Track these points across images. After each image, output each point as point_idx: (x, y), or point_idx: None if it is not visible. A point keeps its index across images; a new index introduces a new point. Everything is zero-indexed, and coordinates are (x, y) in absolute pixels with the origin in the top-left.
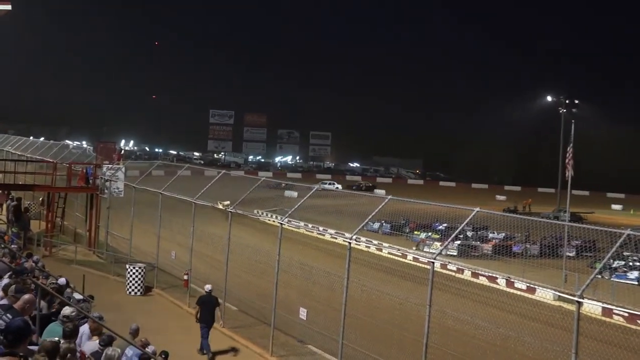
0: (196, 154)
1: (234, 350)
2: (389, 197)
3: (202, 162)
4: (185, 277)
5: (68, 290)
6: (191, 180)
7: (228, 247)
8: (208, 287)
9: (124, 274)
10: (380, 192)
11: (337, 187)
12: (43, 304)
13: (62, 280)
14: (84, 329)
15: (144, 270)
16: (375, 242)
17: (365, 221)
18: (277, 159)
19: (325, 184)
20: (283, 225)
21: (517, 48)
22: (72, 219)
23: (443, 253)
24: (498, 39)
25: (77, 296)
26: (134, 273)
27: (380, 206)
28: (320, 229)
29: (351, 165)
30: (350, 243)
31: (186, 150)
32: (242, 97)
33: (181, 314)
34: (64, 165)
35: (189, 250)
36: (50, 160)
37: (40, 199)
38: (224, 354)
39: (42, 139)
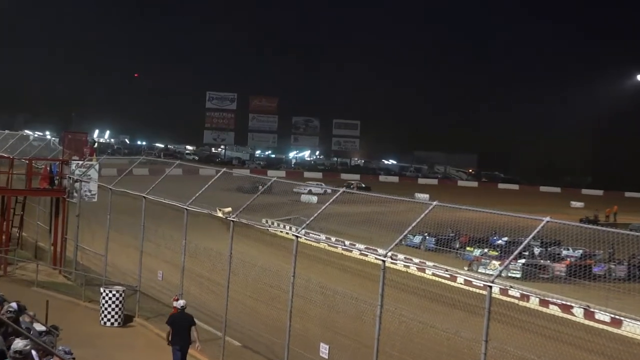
0: (189, 147)
1: None
2: (434, 202)
3: (197, 158)
4: (176, 303)
5: (26, 319)
6: (183, 181)
7: (229, 266)
8: (181, 302)
9: (97, 300)
10: (423, 196)
11: (325, 191)
12: None
13: (13, 305)
14: None
15: (123, 294)
16: (416, 260)
17: (404, 234)
18: (292, 155)
19: (315, 186)
20: (299, 239)
21: (597, 26)
22: (33, 229)
23: (503, 275)
24: (571, 15)
25: (39, 327)
26: (110, 298)
27: (423, 215)
28: (346, 243)
29: (386, 162)
30: (384, 262)
31: (176, 143)
32: (247, 77)
33: (169, 350)
34: (22, 162)
35: (179, 269)
36: (5, 156)
37: None
38: None
39: None
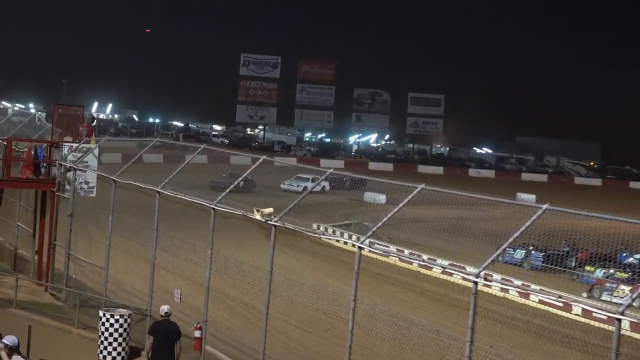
0: (217, 127)
1: None
2: (544, 206)
3: (227, 141)
4: (197, 333)
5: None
6: (208, 171)
7: (269, 286)
8: (165, 308)
9: (95, 326)
10: (528, 197)
11: (323, 188)
12: None
13: (11, 340)
14: None
15: (129, 320)
16: (518, 282)
17: (502, 247)
18: (353, 139)
19: (304, 180)
20: (362, 251)
21: None
22: (11, 232)
23: (635, 305)
24: None
25: None
26: (111, 325)
27: (529, 222)
28: (424, 258)
29: (478, 151)
30: (475, 284)
31: (200, 121)
32: (295, 34)
33: None
34: None
35: (203, 288)
36: None
37: None
38: None
39: None
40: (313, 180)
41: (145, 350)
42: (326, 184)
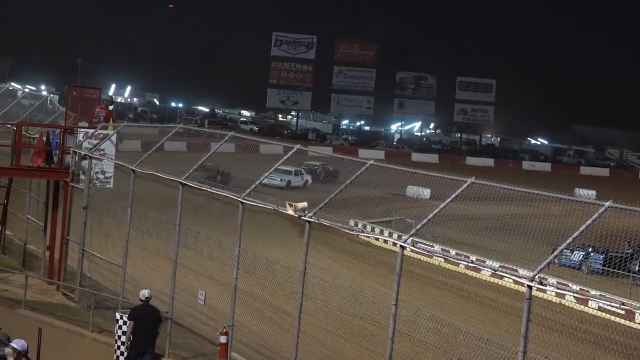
0: (245, 113)
1: None
2: (606, 203)
3: (256, 128)
4: (223, 339)
5: (8, 351)
6: (236, 161)
7: (302, 288)
8: (145, 292)
9: (111, 329)
10: (587, 192)
11: (306, 181)
12: None
13: (20, 344)
14: None
15: None
16: (575, 286)
17: (560, 249)
18: (395, 127)
19: (286, 173)
20: (404, 250)
21: None
22: (21, 226)
23: None
24: None
25: None
26: (129, 328)
27: (590, 221)
28: (472, 258)
29: (533, 142)
30: (530, 288)
31: (227, 106)
32: (332, 12)
33: None
34: (7, 128)
35: (229, 289)
36: None
37: None
38: None
39: None
40: (296, 173)
41: (125, 336)
42: (308, 177)
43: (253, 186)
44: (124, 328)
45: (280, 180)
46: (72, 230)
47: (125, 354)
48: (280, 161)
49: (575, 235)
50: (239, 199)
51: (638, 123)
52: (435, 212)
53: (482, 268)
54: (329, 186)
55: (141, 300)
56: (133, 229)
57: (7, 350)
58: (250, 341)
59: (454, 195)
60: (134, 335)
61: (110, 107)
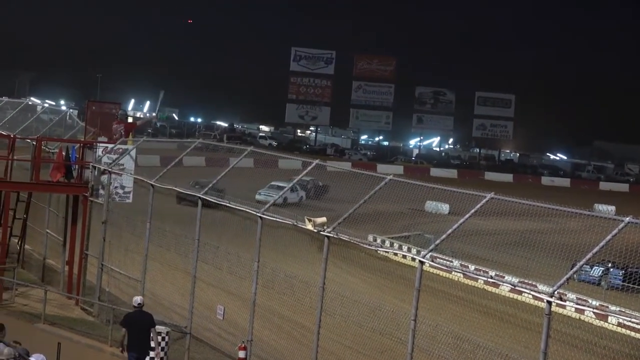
0: (264, 128)
1: None
2: (627, 219)
3: (275, 143)
4: (242, 354)
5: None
6: (255, 176)
7: (321, 303)
8: (138, 299)
9: None
10: (607, 208)
11: (301, 197)
12: None
13: (40, 359)
14: None
15: (167, 338)
16: (595, 302)
17: (580, 264)
18: (414, 142)
19: (281, 189)
20: (423, 265)
21: None
22: (40, 240)
23: None
24: None
25: None
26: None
27: (610, 237)
28: (491, 274)
29: (552, 157)
30: (549, 304)
31: (246, 121)
32: (351, 27)
33: None
34: (26, 143)
35: (248, 304)
36: (4, 134)
37: None
38: None
39: None
40: (292, 189)
41: (118, 342)
42: (303, 193)
43: (272, 201)
44: None
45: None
46: (91, 244)
47: None
48: (299, 176)
49: (595, 250)
50: (257, 213)
51: None
52: (454, 227)
53: (501, 283)
54: (321, 202)
55: (134, 306)
56: (152, 244)
57: None
58: (268, 356)
59: (473, 211)
60: (130, 341)
61: (131, 120)
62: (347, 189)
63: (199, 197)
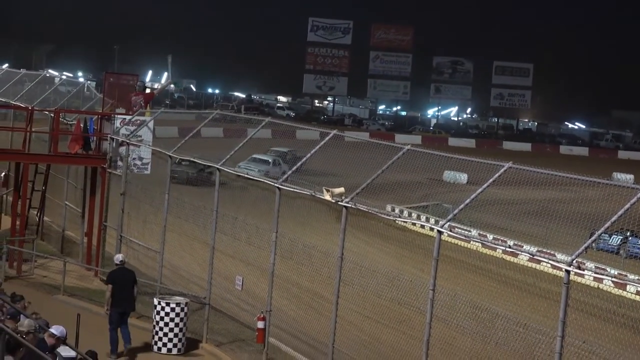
0: (282, 99)
1: None
2: None
3: (293, 114)
4: (260, 324)
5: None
6: (273, 146)
7: (339, 273)
8: (119, 256)
9: (149, 315)
10: (626, 177)
11: (284, 172)
12: None
13: (59, 331)
14: None
15: (186, 309)
16: (613, 271)
17: (598, 233)
18: (431, 112)
19: (263, 163)
20: (442, 235)
21: None
22: (59, 212)
23: None
24: None
25: (67, 352)
26: (167, 314)
27: (628, 205)
28: (510, 243)
29: (570, 126)
30: (568, 273)
31: (264, 92)
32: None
33: None
34: (44, 115)
35: (267, 275)
36: (21, 106)
37: (2, 174)
38: None
39: (5, 66)
40: (274, 163)
41: (105, 299)
42: (286, 167)
43: (290, 172)
44: (162, 314)
45: (258, 171)
46: (109, 216)
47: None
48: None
49: (613, 219)
50: (275, 184)
51: None
52: (472, 197)
53: (519, 253)
54: (302, 175)
55: (116, 264)
56: (170, 215)
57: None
58: (287, 326)
59: (491, 180)
60: (114, 298)
61: (148, 92)
62: (568, 169)
63: (217, 168)
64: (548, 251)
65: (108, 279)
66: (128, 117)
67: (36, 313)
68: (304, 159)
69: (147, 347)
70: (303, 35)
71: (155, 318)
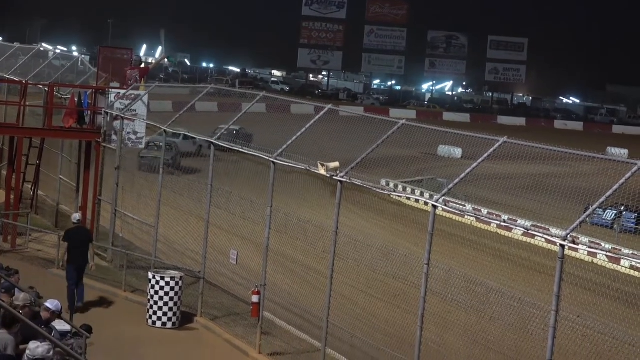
0: (276, 73)
1: None
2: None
3: (287, 88)
4: (255, 298)
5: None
6: (267, 121)
7: (334, 247)
8: (76, 215)
9: (144, 289)
10: (620, 151)
11: (200, 146)
12: (7, 337)
13: (54, 305)
14: None
15: (180, 283)
16: (607, 245)
17: (594, 207)
18: (426, 87)
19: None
20: (436, 210)
21: None
22: (53, 186)
23: None
24: None
25: (62, 326)
26: (161, 288)
27: (623, 180)
28: (504, 218)
29: (565, 100)
30: (562, 247)
31: (258, 66)
32: None
33: None
34: (39, 89)
35: (261, 249)
36: (16, 80)
37: None
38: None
39: None
40: (168, 146)
41: (59, 256)
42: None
43: (285, 146)
44: (157, 288)
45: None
46: (104, 190)
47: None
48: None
49: (608, 194)
50: (270, 159)
51: None
52: (467, 171)
53: (513, 227)
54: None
55: (74, 223)
56: (165, 189)
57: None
58: (282, 300)
59: (486, 155)
60: (70, 254)
61: (143, 65)
62: (562, 143)
63: (212, 143)
64: (542, 225)
65: (65, 236)
66: (122, 91)
67: (32, 287)
68: (299, 132)
69: (142, 321)
70: (298, 9)
71: (149, 292)
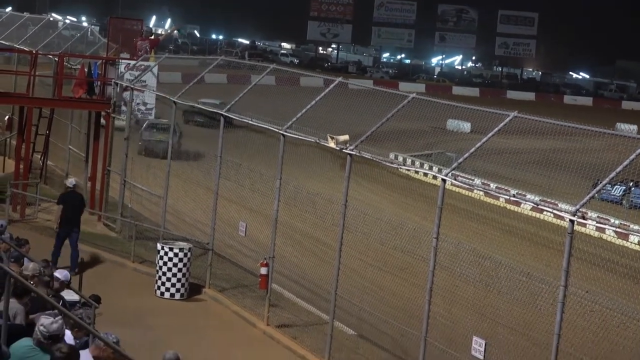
0: (286, 46)
1: None
2: None
3: (297, 61)
4: (264, 270)
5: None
6: (276, 94)
7: (343, 220)
8: (72, 180)
9: (152, 260)
10: (629, 127)
11: (178, 133)
12: (17, 307)
13: (64, 274)
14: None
15: (189, 254)
16: (616, 221)
17: (603, 183)
18: (435, 61)
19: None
20: (445, 184)
21: None
22: (62, 156)
23: None
24: None
25: (71, 296)
26: (170, 259)
27: (634, 155)
28: (512, 192)
29: (574, 75)
30: (572, 222)
31: (267, 38)
32: None
33: (254, 336)
34: (48, 59)
35: (270, 221)
36: (26, 50)
37: (6, 118)
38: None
39: (8, 9)
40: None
41: (54, 218)
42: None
43: (295, 118)
44: (165, 259)
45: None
46: (113, 161)
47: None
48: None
49: (618, 170)
50: (280, 131)
51: None
52: (477, 145)
53: (522, 202)
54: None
55: (68, 187)
56: (175, 161)
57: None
58: (290, 273)
59: (496, 129)
60: (63, 218)
61: (153, 37)
62: (572, 118)
63: (222, 115)
64: (551, 200)
65: (59, 200)
66: (132, 62)
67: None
68: (309, 105)
69: (150, 292)
70: None
71: (158, 263)
